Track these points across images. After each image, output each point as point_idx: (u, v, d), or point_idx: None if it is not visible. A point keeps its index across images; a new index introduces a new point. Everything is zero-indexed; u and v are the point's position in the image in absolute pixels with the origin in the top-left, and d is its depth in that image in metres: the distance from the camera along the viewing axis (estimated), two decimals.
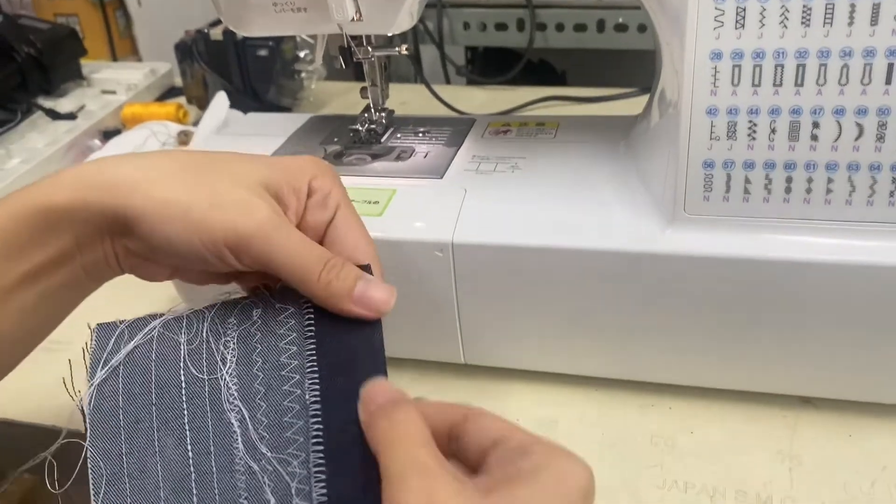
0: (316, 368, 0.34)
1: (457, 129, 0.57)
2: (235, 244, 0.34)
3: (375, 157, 0.54)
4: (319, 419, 0.33)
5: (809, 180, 0.40)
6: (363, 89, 0.55)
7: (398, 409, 0.30)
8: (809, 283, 0.41)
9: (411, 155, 0.53)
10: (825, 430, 0.45)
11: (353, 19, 0.47)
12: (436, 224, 0.46)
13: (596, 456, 0.44)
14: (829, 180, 0.39)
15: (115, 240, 0.36)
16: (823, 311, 0.41)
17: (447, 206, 0.47)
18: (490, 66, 1.12)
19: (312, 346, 0.35)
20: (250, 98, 0.89)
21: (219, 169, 0.36)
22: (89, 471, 0.33)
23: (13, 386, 0.53)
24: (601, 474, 0.43)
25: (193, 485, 0.33)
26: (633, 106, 0.83)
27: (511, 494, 0.27)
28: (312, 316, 0.35)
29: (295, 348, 0.35)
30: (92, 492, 0.33)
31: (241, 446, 0.33)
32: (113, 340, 0.36)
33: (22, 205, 0.34)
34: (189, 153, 0.38)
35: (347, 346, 0.35)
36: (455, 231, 0.45)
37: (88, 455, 0.34)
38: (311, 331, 0.35)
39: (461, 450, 0.31)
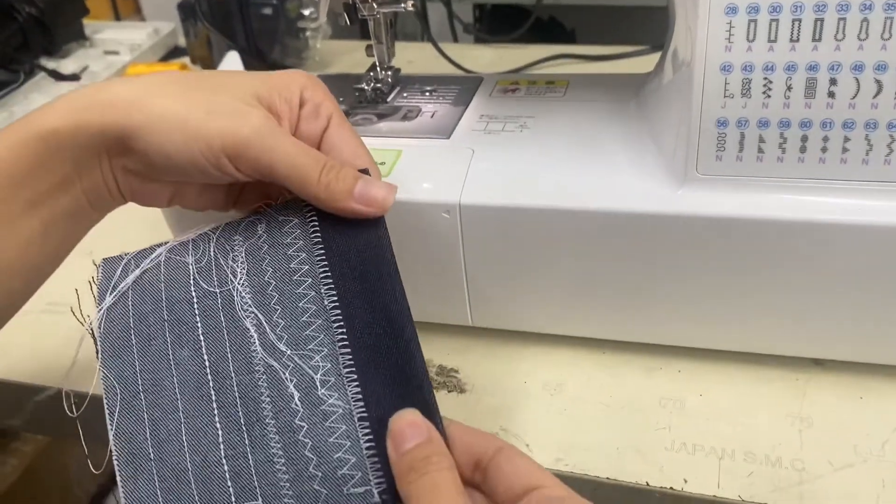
0: (328, 271, 0.35)
1: (464, 87, 0.56)
2: (233, 150, 0.35)
3: (381, 116, 0.53)
4: (341, 319, 0.34)
5: (825, 139, 0.39)
6: (368, 47, 0.54)
7: (431, 466, 0.30)
8: (823, 244, 0.40)
9: (418, 115, 0.52)
10: (836, 391, 0.45)
11: None
12: (443, 185, 0.45)
13: (603, 418, 0.44)
14: (846, 139, 0.38)
15: (114, 160, 0.36)
16: (837, 273, 0.41)
17: (454, 167, 0.46)
18: (499, 23, 1.10)
19: (321, 251, 0.35)
20: (255, 58, 0.87)
21: (212, 83, 0.36)
22: (103, 392, 0.34)
23: (18, 347, 0.53)
24: (609, 437, 0.43)
25: (212, 391, 0.33)
26: (644, 64, 0.81)
27: None
28: (317, 223, 0.36)
29: (304, 255, 0.35)
30: (107, 412, 0.34)
31: (258, 348, 0.34)
32: (120, 269, 0.37)
33: (19, 134, 0.35)
34: (181, 72, 0.39)
35: (355, 246, 0.35)
36: (462, 192, 0.44)
37: (101, 377, 0.34)
38: (317, 237, 0.36)
39: (488, 483, 0.31)
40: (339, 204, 0.35)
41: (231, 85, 0.36)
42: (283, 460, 0.32)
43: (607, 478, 0.41)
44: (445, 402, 0.46)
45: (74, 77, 0.88)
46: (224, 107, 0.35)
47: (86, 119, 0.34)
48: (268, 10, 0.86)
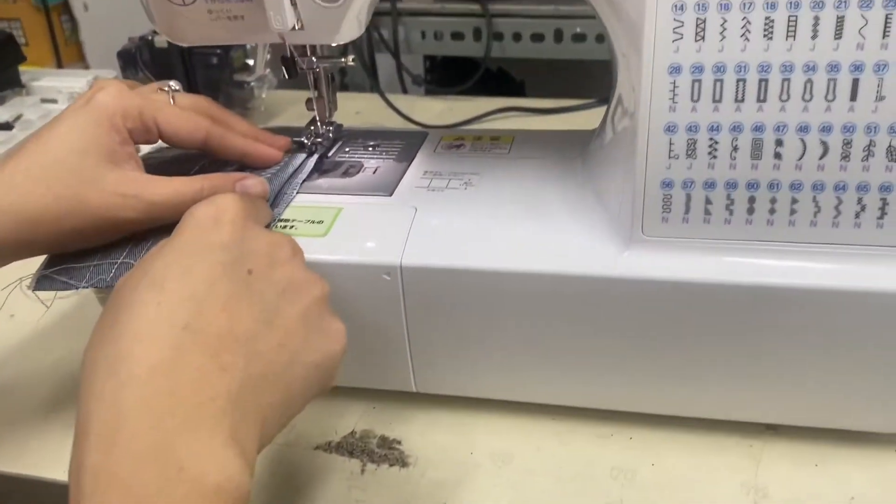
0: None
1: (409, 142, 0.54)
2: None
3: (322, 172, 0.51)
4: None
5: (773, 200, 0.38)
6: (308, 101, 0.52)
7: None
8: (772, 307, 0.39)
9: (360, 170, 0.51)
10: (791, 459, 0.43)
11: (294, 28, 0.44)
12: (383, 245, 0.43)
13: (553, 491, 0.42)
14: (794, 200, 0.38)
15: None
16: (788, 336, 0.40)
17: (396, 226, 0.44)
18: (449, 75, 1.09)
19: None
20: None
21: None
22: None
23: None
24: None
25: None
26: (593, 117, 0.81)
27: None
28: None
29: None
30: None
31: None
32: None
33: None
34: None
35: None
36: (404, 253, 0.42)
37: None
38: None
39: None
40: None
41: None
42: None
43: None
44: (387, 477, 0.43)
45: (7, 126, 0.85)
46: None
47: None
48: (213, 60, 0.84)
